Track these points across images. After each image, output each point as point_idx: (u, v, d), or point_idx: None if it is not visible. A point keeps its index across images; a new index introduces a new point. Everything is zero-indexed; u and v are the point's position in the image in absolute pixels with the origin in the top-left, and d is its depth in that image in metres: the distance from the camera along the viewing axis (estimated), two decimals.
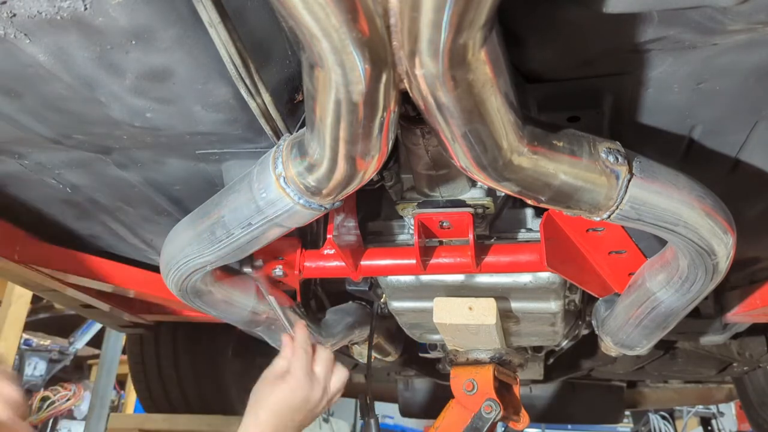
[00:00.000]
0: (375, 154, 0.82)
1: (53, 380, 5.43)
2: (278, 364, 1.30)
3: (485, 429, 1.55)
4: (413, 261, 1.29)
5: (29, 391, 5.16)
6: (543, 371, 2.31)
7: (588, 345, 2.23)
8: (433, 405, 3.08)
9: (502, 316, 1.49)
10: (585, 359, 2.49)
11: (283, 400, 1.24)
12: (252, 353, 2.95)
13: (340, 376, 1.34)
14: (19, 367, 4.95)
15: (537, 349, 2.10)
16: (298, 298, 1.51)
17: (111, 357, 4.31)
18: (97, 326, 5.11)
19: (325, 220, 1.30)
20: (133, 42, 0.79)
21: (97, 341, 5.09)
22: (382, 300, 1.73)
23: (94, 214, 1.45)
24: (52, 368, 5.36)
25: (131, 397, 5.68)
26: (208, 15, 0.74)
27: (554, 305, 1.46)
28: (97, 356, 5.05)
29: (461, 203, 1.25)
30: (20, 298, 4.02)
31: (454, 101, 0.70)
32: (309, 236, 1.44)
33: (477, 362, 1.63)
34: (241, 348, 2.95)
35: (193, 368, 2.84)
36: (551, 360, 2.31)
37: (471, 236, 1.23)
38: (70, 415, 5.47)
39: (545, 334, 1.67)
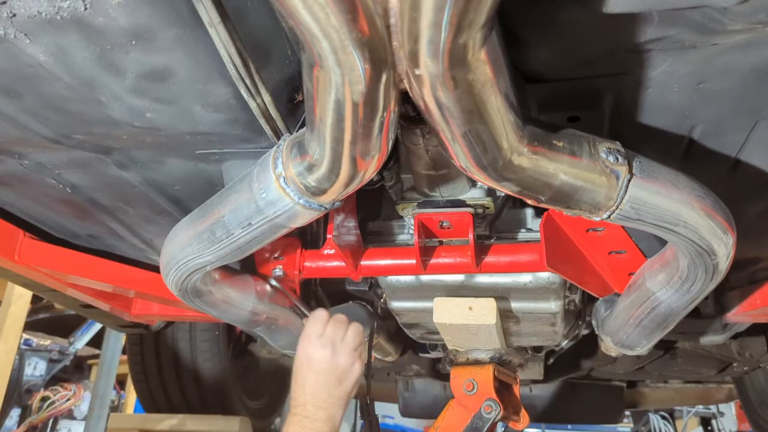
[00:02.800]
0: (375, 154, 0.82)
1: (53, 380, 5.42)
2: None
3: (485, 429, 1.55)
4: (413, 261, 1.29)
5: (29, 391, 5.15)
6: (543, 371, 2.30)
7: (588, 345, 2.23)
8: (433, 405, 3.08)
9: (502, 316, 1.48)
10: (585, 359, 2.49)
11: (308, 378, 1.27)
12: (252, 353, 2.95)
13: (355, 327, 1.36)
14: (19, 367, 4.94)
15: (537, 349, 2.10)
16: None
17: (111, 357, 4.31)
18: (97, 326, 5.10)
19: (325, 220, 1.30)
20: (133, 42, 0.79)
21: (97, 341, 5.08)
22: (382, 300, 1.73)
23: (94, 214, 1.45)
24: (52, 368, 5.35)
25: (131, 397, 5.68)
26: (208, 15, 0.74)
27: (554, 305, 1.46)
28: (97, 356, 5.05)
29: (461, 203, 1.25)
30: (20, 298, 4.01)
31: (454, 101, 0.70)
32: (309, 236, 1.44)
33: (477, 362, 1.63)
34: (241, 348, 2.95)
35: (194, 368, 2.84)
36: (551, 360, 2.31)
37: (471, 236, 1.23)
38: (70, 415, 5.46)
39: (545, 334, 1.67)
